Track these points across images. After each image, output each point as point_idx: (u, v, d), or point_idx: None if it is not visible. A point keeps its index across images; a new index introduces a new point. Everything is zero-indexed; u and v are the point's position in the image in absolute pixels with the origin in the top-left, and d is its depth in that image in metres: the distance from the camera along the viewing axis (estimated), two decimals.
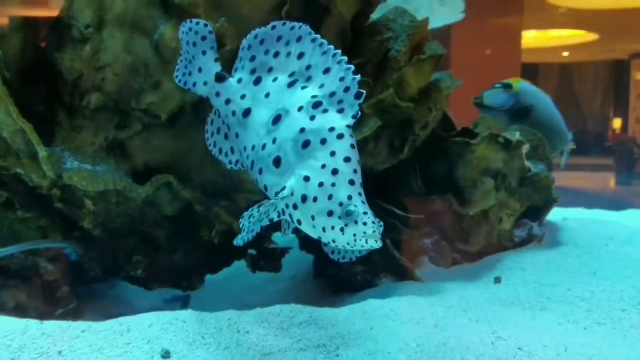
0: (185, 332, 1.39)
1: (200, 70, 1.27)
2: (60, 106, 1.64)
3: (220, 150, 1.27)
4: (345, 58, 1.13)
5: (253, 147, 1.17)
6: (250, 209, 1.13)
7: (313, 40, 1.15)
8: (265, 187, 1.16)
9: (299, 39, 1.17)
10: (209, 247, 1.85)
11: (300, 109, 1.12)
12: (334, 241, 1.08)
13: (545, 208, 2.18)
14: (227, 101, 1.23)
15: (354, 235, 1.05)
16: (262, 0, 1.74)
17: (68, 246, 1.69)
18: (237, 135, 1.21)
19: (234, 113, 1.21)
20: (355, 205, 1.05)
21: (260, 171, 1.14)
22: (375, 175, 2.02)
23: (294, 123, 1.11)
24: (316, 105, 1.11)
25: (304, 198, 1.07)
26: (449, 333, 1.48)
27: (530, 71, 18.09)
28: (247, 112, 1.19)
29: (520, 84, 2.60)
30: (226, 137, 1.26)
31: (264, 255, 1.99)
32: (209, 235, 1.73)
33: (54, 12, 1.68)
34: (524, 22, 11.44)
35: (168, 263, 1.84)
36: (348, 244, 1.06)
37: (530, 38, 13.69)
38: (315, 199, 1.06)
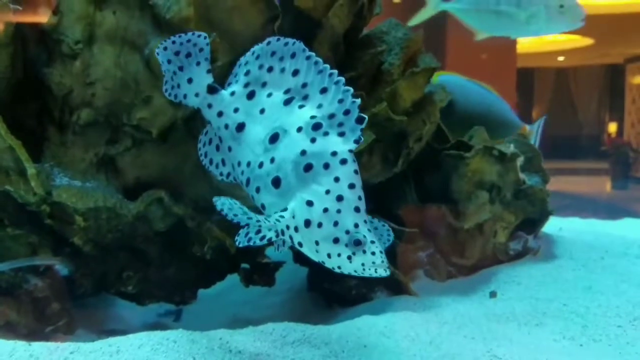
0: (176, 352, 1.37)
1: (190, 81, 1.26)
2: (50, 122, 1.63)
3: (211, 161, 1.27)
4: (342, 79, 1.12)
5: (248, 164, 1.16)
6: (246, 227, 1.14)
7: (308, 57, 1.15)
8: (263, 206, 1.15)
9: (293, 55, 1.16)
10: (201, 262, 1.83)
11: (299, 129, 1.11)
12: (339, 267, 1.08)
13: (541, 221, 2.17)
14: (220, 114, 1.22)
15: (363, 264, 1.05)
16: (254, 15, 1.73)
17: (59, 263, 1.67)
18: (230, 149, 1.21)
19: (226, 126, 1.21)
20: (364, 235, 1.04)
21: (258, 190, 1.14)
22: (370, 188, 2.01)
23: (294, 144, 1.11)
24: (316, 127, 1.10)
25: (307, 223, 1.06)
26: (444, 351, 1.46)
27: (526, 76, 18.16)
28: (241, 127, 1.19)
29: (439, 77, 2.37)
30: (218, 148, 1.25)
31: (258, 269, 1.97)
32: (202, 251, 1.72)
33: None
34: None
35: (160, 278, 1.82)
36: (355, 271, 1.06)
37: (526, 43, 13.71)
38: (320, 225, 1.06)
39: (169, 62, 1.27)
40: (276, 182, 1.11)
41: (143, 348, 1.37)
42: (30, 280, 1.66)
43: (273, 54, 1.19)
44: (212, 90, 1.25)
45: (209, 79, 1.25)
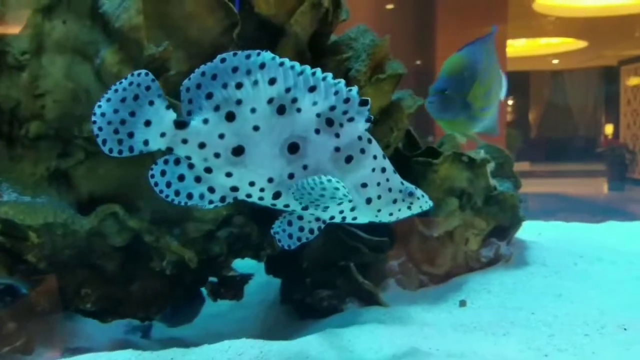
0: None
1: (148, 124, 1.15)
2: None
3: (190, 196, 1.18)
4: (329, 74, 1.14)
5: (271, 180, 1.15)
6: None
7: (281, 64, 1.12)
8: (306, 207, 1.19)
9: (262, 66, 1.12)
10: (166, 277, 1.79)
11: (317, 132, 1.13)
12: (398, 217, 1.25)
13: (512, 227, 2.13)
14: (202, 145, 1.15)
15: (420, 206, 1.25)
16: (212, 23, 1.70)
17: (15, 282, 1.63)
18: (229, 175, 1.16)
19: (217, 155, 1.15)
20: (409, 185, 1.24)
21: None
22: None
23: (321, 146, 1.14)
24: (329, 122, 1.13)
25: (368, 200, 1.18)
26: None
27: (522, 79, 18.18)
28: (238, 151, 1.14)
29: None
30: (199, 180, 1.17)
31: (225, 283, 1.94)
32: (160, 266, 1.68)
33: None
34: (513, 31, 11.49)
35: (123, 294, 1.78)
36: (413, 213, 1.26)
37: (520, 46, 13.76)
38: (379, 197, 1.19)
39: (116, 111, 1.16)
40: None
41: None
42: None
43: (235, 69, 1.13)
44: (181, 125, 1.15)
45: (173, 115, 1.16)
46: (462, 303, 1.85)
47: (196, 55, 1.70)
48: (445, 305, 1.86)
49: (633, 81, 14.54)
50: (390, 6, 7.74)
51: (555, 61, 15.68)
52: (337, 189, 1.12)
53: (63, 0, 1.58)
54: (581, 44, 12.87)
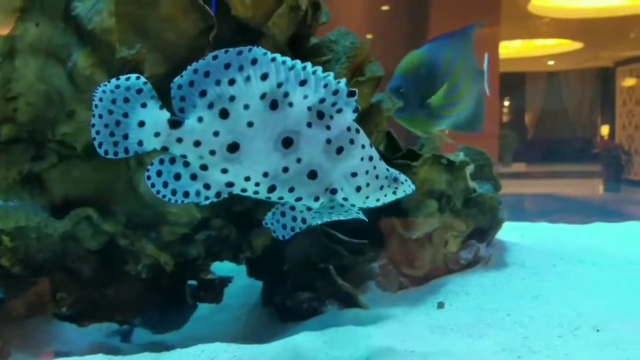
0: None
1: (142, 124, 1.15)
2: None
3: (186, 194, 1.18)
4: (319, 68, 1.15)
5: (266, 174, 1.17)
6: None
7: (273, 59, 1.13)
8: (299, 198, 1.22)
9: (254, 62, 1.12)
10: (143, 280, 1.79)
11: (309, 125, 1.15)
12: (383, 203, 1.30)
13: (492, 229, 2.12)
14: (197, 143, 1.15)
15: (403, 190, 1.30)
16: (188, 25, 1.70)
17: None
18: (224, 171, 1.16)
19: (212, 152, 1.15)
20: (394, 171, 1.28)
21: (292, 189, 1.20)
22: None
23: (314, 139, 1.16)
24: (320, 115, 1.16)
25: (358, 189, 1.23)
26: None
27: (518, 80, 18.20)
28: (233, 147, 1.15)
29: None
30: (194, 177, 1.18)
31: (204, 286, 1.94)
32: (136, 270, 1.68)
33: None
34: (508, 32, 11.51)
35: (99, 298, 1.77)
36: (397, 198, 1.31)
37: (516, 48, 13.77)
38: (368, 185, 1.23)
39: (110, 112, 1.16)
40: (313, 175, 1.19)
41: None
42: None
43: (227, 66, 1.13)
44: (175, 124, 1.15)
45: (167, 115, 1.16)
46: (440, 305, 1.84)
47: (172, 58, 1.70)
48: (424, 307, 1.86)
49: (628, 82, 14.56)
50: (385, 7, 7.75)
51: (551, 62, 15.69)
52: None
53: (36, 2, 1.58)
54: (577, 45, 12.89)
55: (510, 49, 13.40)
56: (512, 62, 14.45)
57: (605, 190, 13.25)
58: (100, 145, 1.16)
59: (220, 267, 2.11)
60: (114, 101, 1.15)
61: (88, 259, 1.69)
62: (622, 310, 1.65)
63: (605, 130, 16.24)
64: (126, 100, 1.15)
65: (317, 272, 2.02)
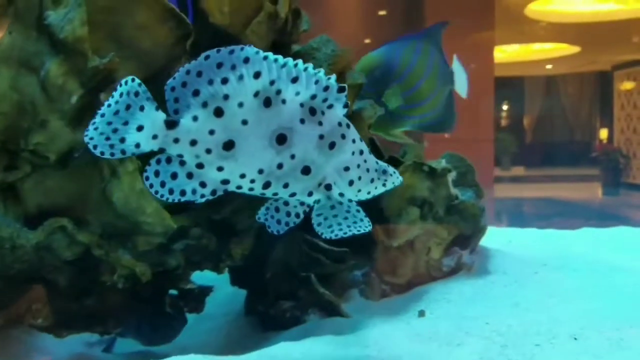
0: None
1: (141, 128, 1.16)
2: None
3: (183, 193, 1.19)
4: (310, 65, 1.16)
5: (261, 171, 1.18)
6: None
7: (265, 57, 1.13)
8: (294, 194, 1.23)
9: (246, 60, 1.13)
10: (122, 290, 1.78)
11: (302, 121, 1.16)
12: (374, 195, 1.31)
13: (474, 236, 2.11)
14: (193, 142, 1.16)
15: (393, 182, 1.31)
16: (164, 33, 1.69)
17: None
18: (220, 169, 1.17)
19: (208, 151, 1.16)
20: (383, 164, 1.29)
21: (287, 185, 1.20)
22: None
23: (307, 135, 1.17)
24: (312, 111, 1.16)
25: (350, 182, 1.23)
26: None
27: (517, 84, 18.24)
28: (229, 145, 1.15)
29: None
30: (190, 176, 1.19)
31: (184, 296, 1.93)
32: (112, 280, 1.67)
33: None
34: (505, 37, 11.54)
35: (77, 308, 1.76)
36: (387, 190, 1.32)
37: (514, 52, 13.80)
38: (360, 178, 1.24)
39: (109, 124, 1.17)
40: (306, 170, 1.19)
41: None
42: None
43: (220, 65, 1.14)
44: (171, 124, 1.16)
45: (163, 115, 1.16)
46: (421, 313, 1.83)
47: (149, 66, 1.69)
48: (405, 316, 1.85)
49: (626, 86, 14.57)
50: (382, 12, 7.77)
51: (549, 66, 15.72)
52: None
53: (9, 10, 1.57)
54: (574, 49, 12.92)
55: (508, 53, 13.44)
56: (510, 66, 14.49)
57: (604, 194, 13.25)
58: (95, 147, 1.17)
59: (207, 276, 2.10)
60: (117, 113, 1.16)
61: (64, 270, 1.68)
62: (600, 318, 1.64)
63: (603, 133, 16.25)
64: (128, 107, 1.16)
65: (299, 281, 2.01)
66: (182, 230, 1.77)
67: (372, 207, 2.07)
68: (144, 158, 1.24)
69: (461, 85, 2.32)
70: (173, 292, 2.01)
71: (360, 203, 2.13)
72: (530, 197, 12.51)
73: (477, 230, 2.10)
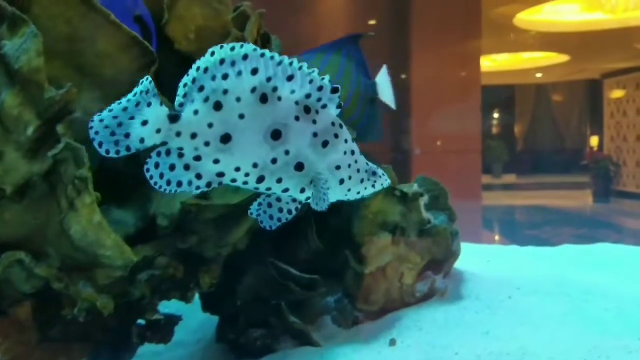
0: None
1: (145, 123, 1.19)
2: None
3: (179, 184, 1.22)
4: (304, 64, 1.17)
5: (255, 165, 1.20)
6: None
7: (262, 55, 1.15)
8: (287, 189, 1.24)
9: (245, 57, 1.15)
10: (86, 321, 1.74)
11: (297, 118, 1.17)
12: (363, 196, 1.31)
13: (446, 261, 2.08)
14: (194, 135, 1.19)
15: (381, 184, 1.30)
16: (127, 61, 1.67)
17: None
18: (216, 161, 1.20)
19: (207, 143, 1.19)
20: (372, 165, 1.29)
21: (280, 180, 1.21)
22: (269, 232, 1.94)
23: (301, 132, 1.18)
24: (307, 109, 1.17)
25: (341, 181, 1.24)
26: None
27: (507, 92, 18.30)
28: (226, 138, 1.18)
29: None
30: (187, 167, 1.22)
31: (151, 326, 1.89)
32: (72, 314, 1.63)
33: None
34: (494, 45, 11.56)
35: (39, 339, 1.73)
36: (376, 191, 1.32)
37: (504, 60, 13.83)
38: (350, 178, 1.25)
39: (115, 117, 1.20)
40: (299, 167, 1.20)
41: None
42: None
43: (222, 62, 1.16)
44: (174, 118, 1.19)
45: (166, 110, 1.19)
46: (392, 342, 1.80)
47: (113, 94, 1.65)
48: (376, 344, 1.82)
49: (616, 94, 14.62)
50: (372, 21, 7.78)
51: (539, 75, 15.77)
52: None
53: None
54: (563, 57, 12.97)
55: (498, 62, 13.47)
56: (501, 74, 14.52)
57: (595, 202, 13.27)
58: (100, 144, 1.19)
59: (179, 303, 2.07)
60: (125, 109, 1.19)
61: (24, 302, 1.64)
62: (568, 347, 1.61)
63: (594, 141, 16.29)
64: (137, 105, 1.19)
65: (269, 308, 1.98)
66: (146, 261, 1.74)
67: (344, 233, 2.06)
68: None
69: (387, 95, 2.30)
70: (141, 322, 1.97)
71: (333, 228, 2.10)
72: (521, 204, 12.52)
73: (450, 254, 2.07)
